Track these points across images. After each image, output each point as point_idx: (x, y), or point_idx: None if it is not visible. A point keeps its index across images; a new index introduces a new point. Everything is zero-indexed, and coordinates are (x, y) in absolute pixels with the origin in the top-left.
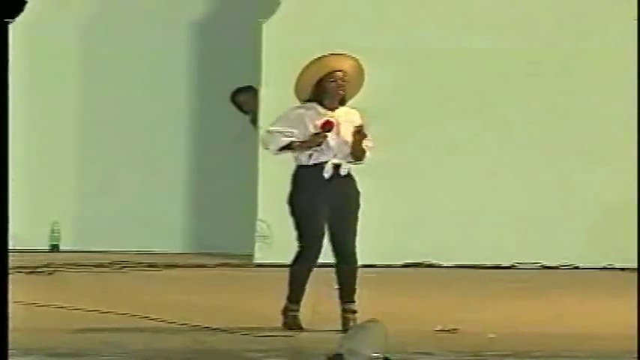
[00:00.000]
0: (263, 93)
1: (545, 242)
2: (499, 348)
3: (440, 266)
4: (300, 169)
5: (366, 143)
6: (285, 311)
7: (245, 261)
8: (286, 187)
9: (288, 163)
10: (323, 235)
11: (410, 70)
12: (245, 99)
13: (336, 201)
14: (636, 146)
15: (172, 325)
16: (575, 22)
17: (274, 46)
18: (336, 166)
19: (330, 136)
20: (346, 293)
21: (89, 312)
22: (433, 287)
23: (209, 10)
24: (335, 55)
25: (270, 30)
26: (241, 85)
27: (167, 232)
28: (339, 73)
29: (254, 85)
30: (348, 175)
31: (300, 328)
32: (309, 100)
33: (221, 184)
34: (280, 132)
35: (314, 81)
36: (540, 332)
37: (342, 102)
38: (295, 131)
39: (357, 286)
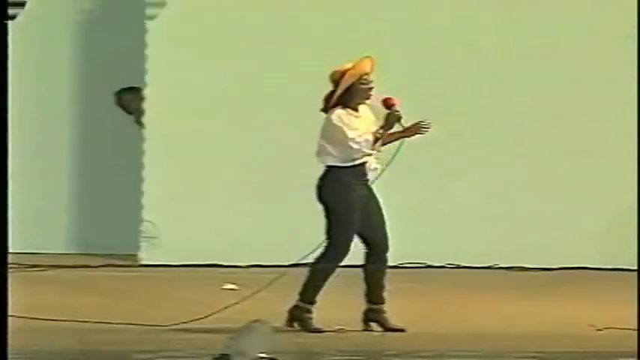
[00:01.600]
0: (148, 93)
1: (431, 242)
2: (385, 346)
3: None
4: (341, 168)
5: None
6: (296, 311)
7: (130, 261)
8: (171, 188)
9: (174, 163)
10: (354, 235)
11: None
12: (130, 99)
13: (371, 200)
14: (636, 146)
15: (57, 324)
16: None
17: (159, 46)
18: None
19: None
20: (376, 293)
21: None
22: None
23: (94, 10)
24: (364, 59)
25: (155, 30)
26: (126, 86)
27: (52, 232)
28: (368, 77)
29: (139, 85)
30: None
31: (318, 331)
32: (334, 106)
33: (106, 185)
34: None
35: (345, 87)
36: (428, 332)
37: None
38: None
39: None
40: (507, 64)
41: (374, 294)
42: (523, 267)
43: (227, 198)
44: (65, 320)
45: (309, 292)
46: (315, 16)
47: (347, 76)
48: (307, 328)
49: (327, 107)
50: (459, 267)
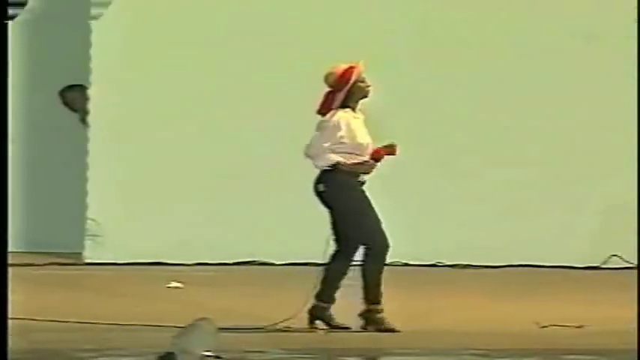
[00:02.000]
0: (92, 91)
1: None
2: (329, 344)
3: (272, 264)
4: (344, 172)
5: None
6: (317, 311)
7: (75, 260)
8: (117, 187)
9: (119, 162)
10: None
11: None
12: (74, 97)
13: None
14: (636, 148)
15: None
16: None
17: (104, 44)
18: None
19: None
20: (373, 292)
21: None
22: (264, 285)
23: (39, 8)
24: (359, 61)
25: (100, 28)
26: (71, 84)
27: None
28: (365, 80)
29: (83, 83)
30: None
31: (342, 327)
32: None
33: (51, 183)
34: (331, 148)
35: (349, 87)
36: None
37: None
38: (341, 146)
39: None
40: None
41: (373, 293)
42: (468, 264)
43: (172, 197)
44: (10, 318)
45: (327, 292)
46: (259, 15)
47: (353, 75)
48: (332, 325)
49: (328, 109)
50: (407, 265)
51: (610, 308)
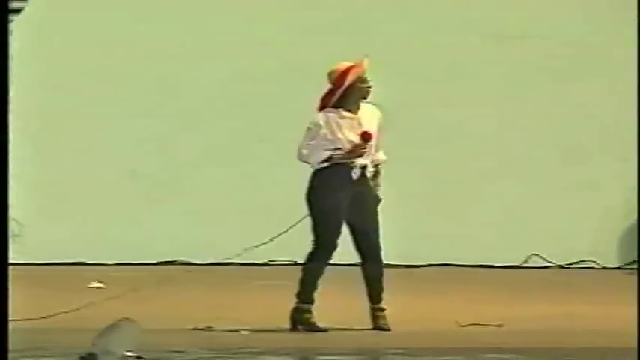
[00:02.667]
0: (12, 93)
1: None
2: (251, 344)
3: (195, 264)
4: (325, 168)
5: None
6: (296, 312)
7: None
8: (37, 186)
9: (39, 161)
10: (340, 234)
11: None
12: None
13: (360, 201)
14: (636, 145)
15: None
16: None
17: (23, 42)
18: (363, 167)
19: (357, 137)
20: (374, 293)
21: None
22: (185, 285)
23: None
24: (363, 60)
25: (19, 28)
26: None
27: None
28: (366, 80)
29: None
30: (371, 175)
31: (319, 329)
32: (333, 106)
33: None
34: (316, 145)
35: (345, 87)
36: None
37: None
38: (326, 142)
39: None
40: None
41: (303, 291)
42: (388, 264)
43: (93, 197)
44: None
45: (303, 292)
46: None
47: (349, 75)
48: (310, 328)
49: (324, 106)
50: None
51: (530, 307)
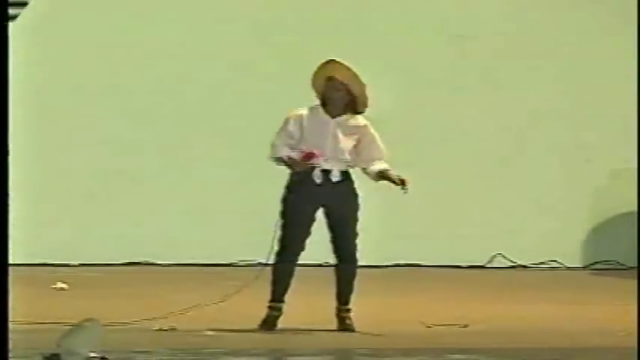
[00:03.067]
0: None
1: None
2: (216, 345)
3: (160, 264)
4: (295, 173)
5: (380, 159)
6: (267, 312)
7: None
8: None
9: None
10: (306, 236)
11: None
12: None
13: (330, 204)
14: (636, 143)
15: None
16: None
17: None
18: (327, 172)
19: (326, 142)
20: (344, 295)
21: None
22: (150, 286)
23: None
24: (333, 62)
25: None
26: None
27: None
28: (335, 82)
29: None
30: (343, 179)
31: (271, 328)
32: (321, 100)
33: None
34: (282, 143)
35: (322, 84)
36: (255, 330)
37: (354, 111)
38: (292, 141)
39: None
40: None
41: (338, 294)
42: None
43: (58, 197)
44: None
45: (272, 292)
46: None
47: (318, 71)
48: (268, 327)
49: None
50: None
51: (495, 307)
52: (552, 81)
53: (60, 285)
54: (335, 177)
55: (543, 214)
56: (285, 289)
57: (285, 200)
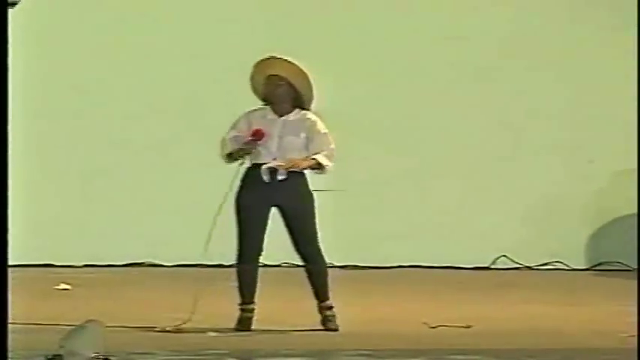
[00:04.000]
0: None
1: None
2: (219, 346)
3: (163, 265)
4: (247, 168)
5: (321, 152)
6: (240, 314)
7: None
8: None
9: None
10: (261, 235)
11: None
12: None
13: (281, 204)
14: (636, 144)
15: None
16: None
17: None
18: (273, 170)
19: (272, 141)
20: (319, 292)
21: None
22: (153, 287)
23: None
24: (271, 59)
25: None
26: None
27: None
28: (274, 78)
29: None
30: (292, 179)
31: (247, 329)
32: (264, 100)
33: None
34: (230, 138)
35: (261, 82)
36: (257, 331)
37: (301, 107)
38: (242, 135)
39: (329, 284)
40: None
41: (314, 292)
42: (356, 265)
43: (59, 197)
44: None
45: (239, 293)
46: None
47: (255, 71)
48: (244, 327)
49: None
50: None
51: (499, 308)
52: (554, 81)
53: (63, 286)
54: (281, 175)
55: (547, 215)
56: (252, 291)
57: (237, 200)
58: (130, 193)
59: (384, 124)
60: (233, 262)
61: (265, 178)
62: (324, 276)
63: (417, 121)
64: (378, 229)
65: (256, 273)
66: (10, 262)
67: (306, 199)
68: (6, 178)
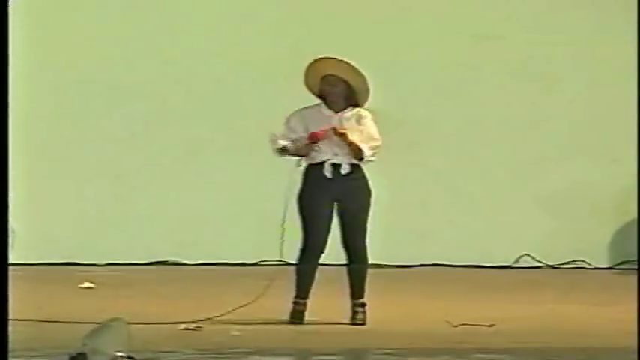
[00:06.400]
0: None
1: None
2: (242, 345)
3: (186, 264)
4: (308, 167)
5: (366, 144)
6: (293, 308)
7: None
8: (25, 186)
9: (29, 160)
10: (325, 232)
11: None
12: None
13: (341, 199)
14: (636, 146)
15: None
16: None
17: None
18: (336, 166)
19: (332, 137)
20: (355, 289)
21: None
22: (177, 286)
23: None
24: (328, 59)
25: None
26: None
27: None
28: (331, 78)
29: None
30: (354, 174)
31: (299, 322)
32: (319, 96)
33: None
34: (282, 135)
35: (318, 80)
36: (280, 329)
37: (355, 104)
38: (294, 136)
39: (366, 284)
40: None
41: (351, 290)
42: (379, 264)
43: (83, 196)
44: None
45: (296, 289)
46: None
47: (312, 69)
48: (296, 320)
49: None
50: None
51: (521, 307)
52: (581, 82)
53: (87, 284)
54: (345, 169)
55: (570, 214)
56: (308, 288)
57: (300, 198)
58: (153, 192)
59: (408, 123)
60: (255, 260)
61: (328, 174)
62: (363, 273)
63: (441, 120)
64: (402, 229)
65: (315, 270)
66: (35, 261)
67: (365, 193)
68: (6, 178)
